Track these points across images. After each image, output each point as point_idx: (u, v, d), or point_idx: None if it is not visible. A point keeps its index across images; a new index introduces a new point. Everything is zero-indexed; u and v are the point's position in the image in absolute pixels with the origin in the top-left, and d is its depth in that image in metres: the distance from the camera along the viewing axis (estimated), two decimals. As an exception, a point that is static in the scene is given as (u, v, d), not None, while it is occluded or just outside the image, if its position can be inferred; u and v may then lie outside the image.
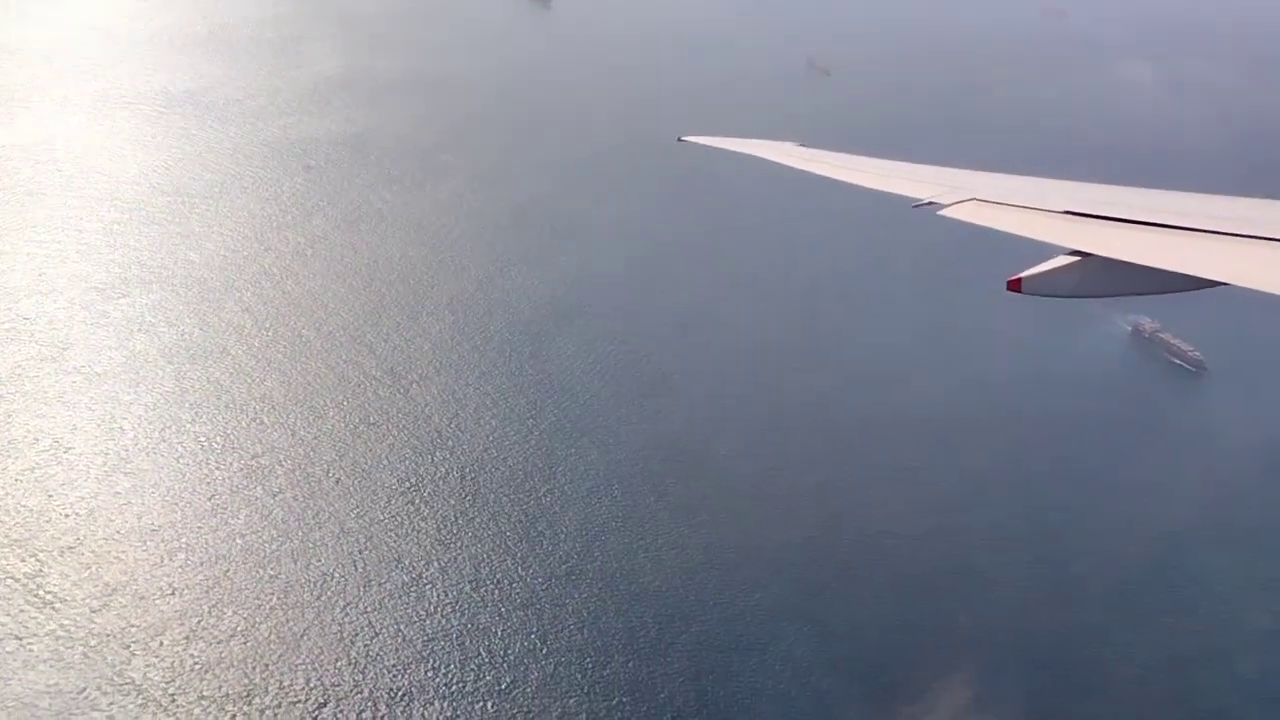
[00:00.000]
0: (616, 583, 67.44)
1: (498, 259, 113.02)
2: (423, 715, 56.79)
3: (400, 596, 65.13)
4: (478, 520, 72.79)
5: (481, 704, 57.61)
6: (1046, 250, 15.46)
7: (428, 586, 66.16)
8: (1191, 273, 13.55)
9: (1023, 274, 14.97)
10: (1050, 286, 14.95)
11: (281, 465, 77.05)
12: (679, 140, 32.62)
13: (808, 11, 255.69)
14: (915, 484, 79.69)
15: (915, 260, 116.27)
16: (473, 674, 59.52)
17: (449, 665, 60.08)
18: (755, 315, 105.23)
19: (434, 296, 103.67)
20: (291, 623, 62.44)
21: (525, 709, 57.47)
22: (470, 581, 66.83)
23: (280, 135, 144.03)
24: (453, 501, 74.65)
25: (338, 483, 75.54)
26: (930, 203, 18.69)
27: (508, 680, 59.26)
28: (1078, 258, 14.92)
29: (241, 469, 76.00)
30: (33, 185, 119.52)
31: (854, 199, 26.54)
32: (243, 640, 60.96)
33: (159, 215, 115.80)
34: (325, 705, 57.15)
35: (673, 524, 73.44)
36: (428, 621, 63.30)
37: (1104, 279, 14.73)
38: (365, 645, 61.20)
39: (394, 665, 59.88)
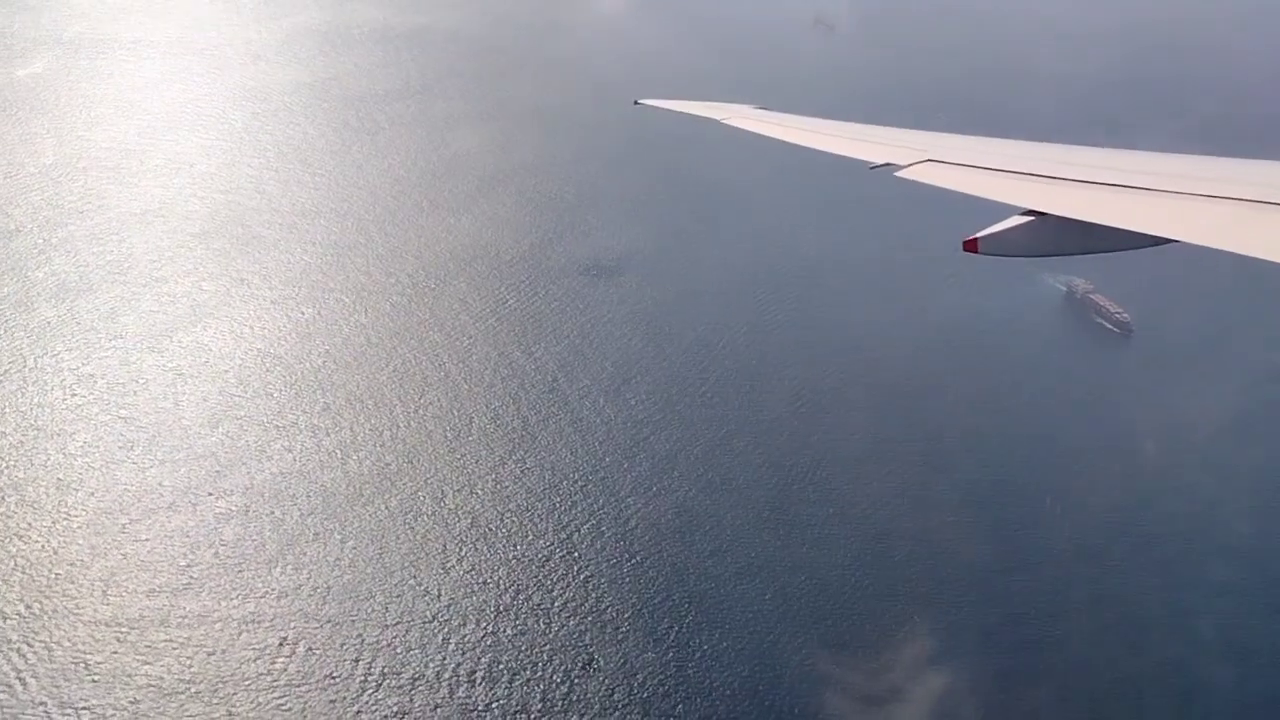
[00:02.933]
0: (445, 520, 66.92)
1: (418, 204, 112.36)
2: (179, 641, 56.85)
3: (173, 516, 65.07)
4: (302, 434, 72.66)
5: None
6: (1002, 210, 15.43)
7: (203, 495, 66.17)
8: (1143, 230, 13.73)
9: (978, 234, 14.93)
10: (1006, 246, 14.99)
11: (142, 391, 77.45)
12: (635, 104, 31.98)
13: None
14: (853, 445, 77.69)
15: (870, 222, 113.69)
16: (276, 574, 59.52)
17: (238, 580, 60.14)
18: (681, 272, 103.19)
19: (337, 240, 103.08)
20: (98, 537, 62.73)
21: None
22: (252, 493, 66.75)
23: (240, 83, 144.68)
24: (264, 422, 74.46)
25: (187, 406, 75.87)
26: (887, 164, 18.72)
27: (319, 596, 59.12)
28: (1032, 217, 14.98)
29: (97, 396, 76.53)
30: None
31: (812, 162, 25.72)
32: (52, 551, 61.45)
33: (96, 159, 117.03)
34: (109, 623, 57.39)
35: (494, 458, 72.57)
36: (229, 550, 63.32)
37: (1058, 238, 14.85)
38: (164, 570, 61.32)
39: (177, 588, 59.99)
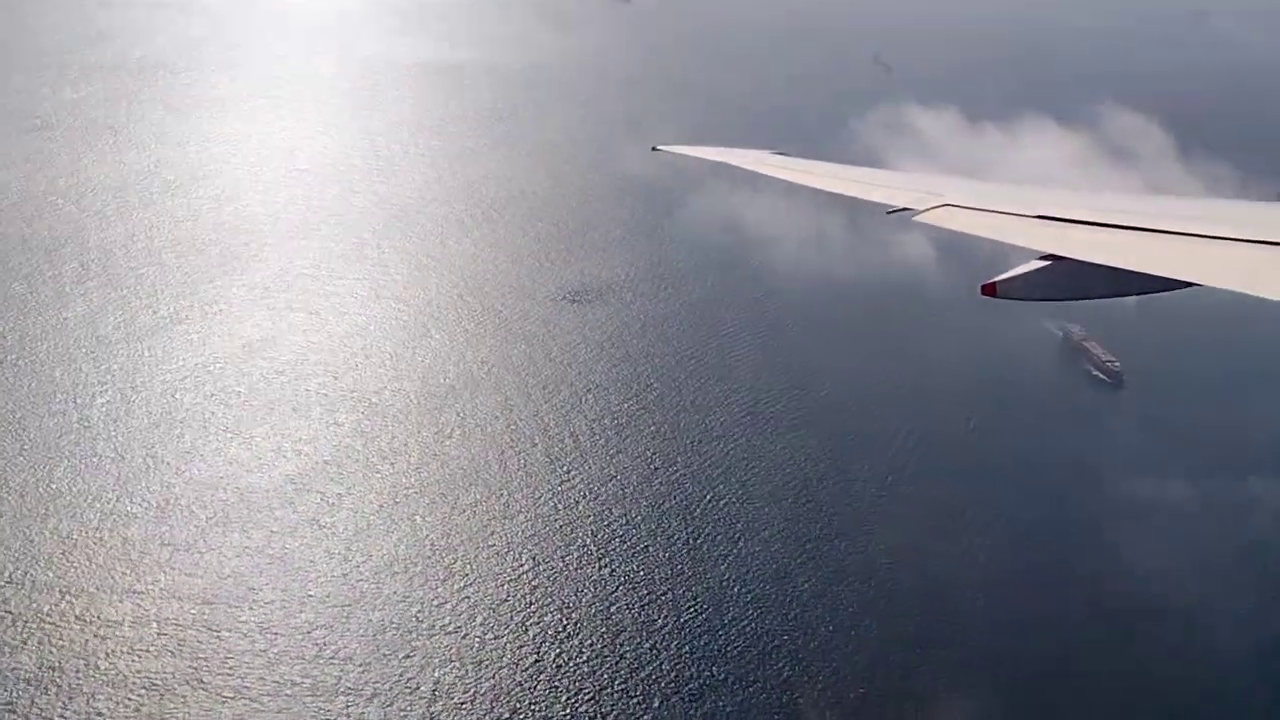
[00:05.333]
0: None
1: (411, 228, 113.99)
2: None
3: (86, 514, 66.05)
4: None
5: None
6: (1020, 254, 15.45)
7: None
8: (1162, 274, 13.53)
9: (997, 278, 14.92)
10: (1024, 290, 14.96)
11: (97, 395, 79.39)
12: (653, 150, 32.03)
13: (887, 11, 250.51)
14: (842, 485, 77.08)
15: (882, 265, 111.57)
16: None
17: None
18: (662, 302, 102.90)
19: (319, 262, 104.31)
20: (4, 534, 64.17)
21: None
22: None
23: (271, 115, 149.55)
24: (203, 425, 75.55)
25: (137, 408, 77.57)
26: (905, 209, 18.63)
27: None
28: (1050, 261, 14.90)
29: (49, 398, 78.76)
30: None
31: (828, 206, 26.08)
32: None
33: (109, 180, 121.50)
34: None
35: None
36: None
37: (1077, 281, 14.80)
38: (58, 567, 62.34)
39: (65, 584, 60.83)
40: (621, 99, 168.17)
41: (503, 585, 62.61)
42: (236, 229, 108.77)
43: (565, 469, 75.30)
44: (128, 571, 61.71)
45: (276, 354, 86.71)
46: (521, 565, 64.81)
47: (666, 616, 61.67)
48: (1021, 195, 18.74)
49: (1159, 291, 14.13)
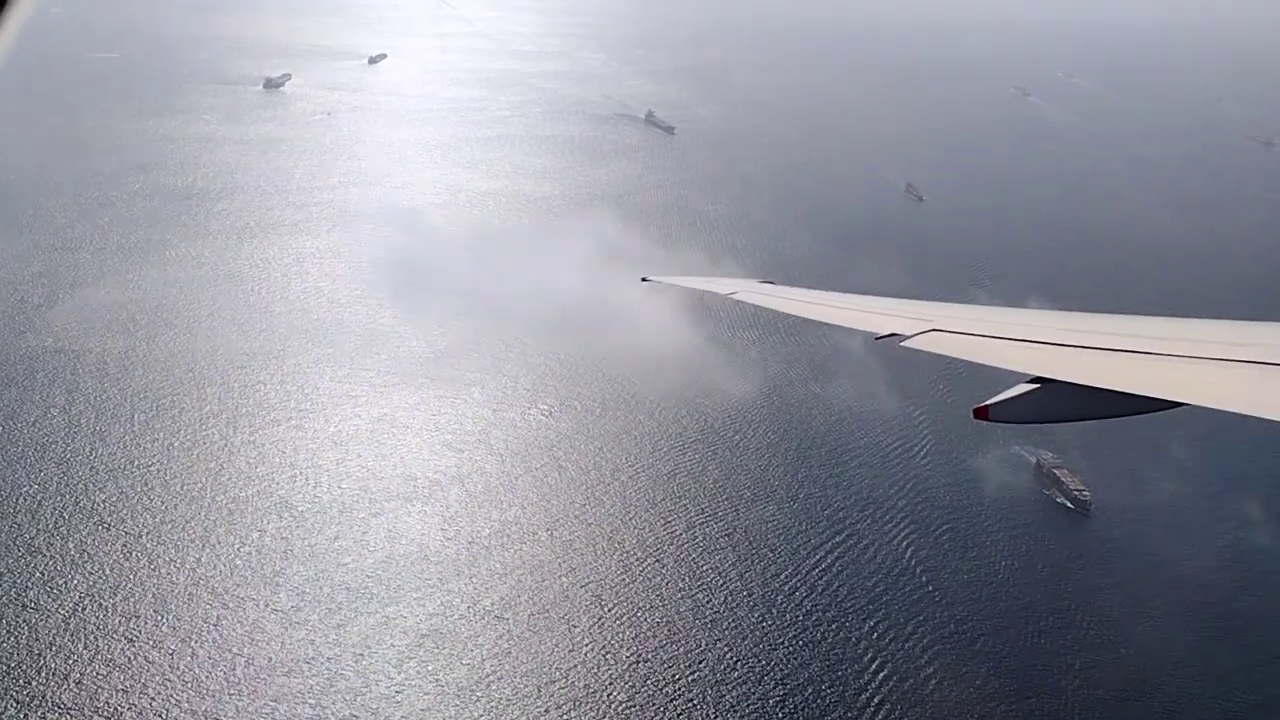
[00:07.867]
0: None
1: (392, 351, 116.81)
2: None
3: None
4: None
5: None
6: (1009, 378, 15.77)
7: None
8: (1152, 394, 13.83)
9: (988, 402, 15.30)
10: (1015, 413, 15.21)
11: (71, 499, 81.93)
12: (643, 280, 32.18)
13: (923, 143, 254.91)
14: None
15: (868, 391, 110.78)
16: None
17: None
18: (640, 414, 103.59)
19: (295, 377, 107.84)
20: None
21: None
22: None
23: (298, 240, 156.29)
24: (154, 524, 76.61)
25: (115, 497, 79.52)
26: (893, 335, 18.88)
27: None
28: (1040, 384, 15.21)
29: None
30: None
31: (816, 333, 26.60)
32: None
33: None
34: None
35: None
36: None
37: (1067, 404, 14.97)
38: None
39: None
40: (632, 227, 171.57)
41: (376, 701, 61.75)
42: (222, 349, 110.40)
43: (484, 578, 74.76)
44: (56, 659, 62.91)
45: (238, 462, 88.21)
46: (408, 680, 63.86)
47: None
48: (1009, 318, 18.92)
49: (1148, 412, 14.05)
